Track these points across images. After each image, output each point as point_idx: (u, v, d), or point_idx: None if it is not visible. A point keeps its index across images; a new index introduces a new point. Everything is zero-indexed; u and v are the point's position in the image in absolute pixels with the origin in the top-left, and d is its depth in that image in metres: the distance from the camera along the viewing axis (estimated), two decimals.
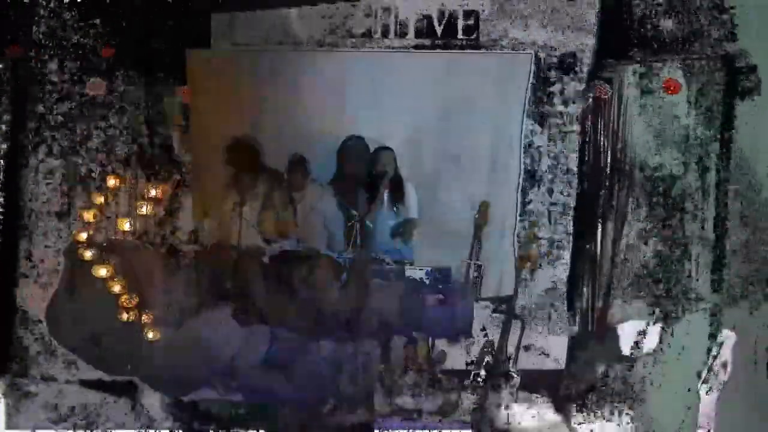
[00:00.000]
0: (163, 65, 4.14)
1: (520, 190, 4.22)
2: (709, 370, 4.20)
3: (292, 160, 4.25)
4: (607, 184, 4.19)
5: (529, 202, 4.22)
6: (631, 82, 4.15)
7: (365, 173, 4.31)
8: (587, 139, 4.19)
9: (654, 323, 4.20)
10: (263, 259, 4.17)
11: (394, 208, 4.31)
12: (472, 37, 4.15)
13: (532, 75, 4.15)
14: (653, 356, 4.20)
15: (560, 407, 4.19)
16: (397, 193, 4.31)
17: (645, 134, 4.16)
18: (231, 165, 4.24)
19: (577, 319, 4.23)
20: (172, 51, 4.12)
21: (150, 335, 4.11)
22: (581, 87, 4.16)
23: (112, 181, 4.15)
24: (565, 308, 4.23)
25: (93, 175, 4.19)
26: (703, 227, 4.18)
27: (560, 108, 4.19)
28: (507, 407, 4.19)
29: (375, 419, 4.18)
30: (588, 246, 4.21)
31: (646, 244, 4.19)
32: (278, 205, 4.29)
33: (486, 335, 4.23)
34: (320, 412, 4.16)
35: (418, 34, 4.16)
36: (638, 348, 4.19)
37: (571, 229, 4.22)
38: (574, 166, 4.20)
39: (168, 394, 4.18)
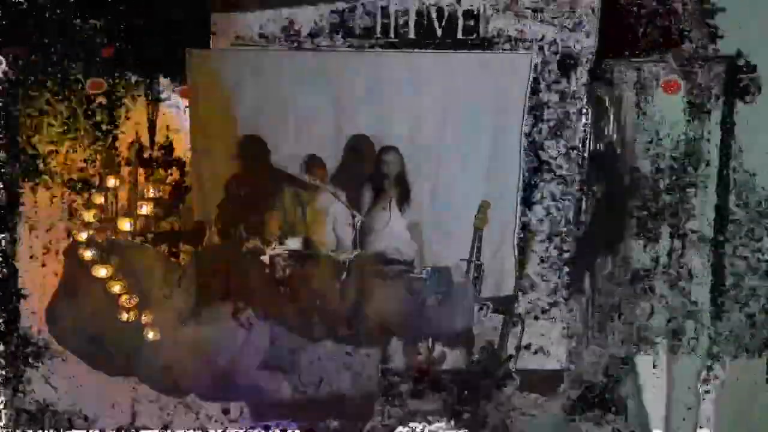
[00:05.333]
0: (163, 65, 4.14)
1: (520, 190, 4.22)
2: (709, 370, 4.20)
3: (309, 161, 4.24)
4: (606, 184, 4.20)
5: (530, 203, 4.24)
6: (630, 82, 4.16)
7: (370, 172, 4.30)
8: (587, 139, 4.20)
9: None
10: (263, 259, 4.17)
11: (401, 209, 4.30)
12: (472, 37, 4.16)
13: (531, 75, 4.16)
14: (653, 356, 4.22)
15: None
16: (404, 193, 4.30)
17: (644, 134, 4.17)
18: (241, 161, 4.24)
19: (578, 317, 4.24)
20: (172, 51, 4.12)
21: (150, 335, 4.11)
22: (581, 87, 4.17)
23: (112, 181, 4.15)
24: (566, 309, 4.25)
25: (93, 175, 4.19)
26: (703, 229, 4.18)
27: (560, 108, 4.20)
28: (507, 407, 4.20)
29: (375, 419, 4.18)
30: (588, 249, 4.23)
31: (645, 247, 4.20)
32: (287, 205, 4.28)
33: (486, 335, 4.24)
34: (320, 412, 4.16)
35: (418, 33, 4.16)
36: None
37: (571, 229, 4.24)
38: (574, 166, 4.21)
39: (168, 394, 4.17)
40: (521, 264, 4.23)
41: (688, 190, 4.17)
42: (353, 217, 4.22)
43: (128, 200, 4.18)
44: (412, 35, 4.17)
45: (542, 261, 4.23)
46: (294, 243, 4.21)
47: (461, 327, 4.22)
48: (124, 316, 4.09)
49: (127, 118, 4.19)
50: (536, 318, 4.24)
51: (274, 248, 4.16)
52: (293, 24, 4.15)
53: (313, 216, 4.28)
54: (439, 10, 4.15)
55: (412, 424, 4.20)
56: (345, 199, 4.26)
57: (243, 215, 4.22)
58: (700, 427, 4.17)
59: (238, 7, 4.14)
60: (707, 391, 4.19)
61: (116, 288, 4.08)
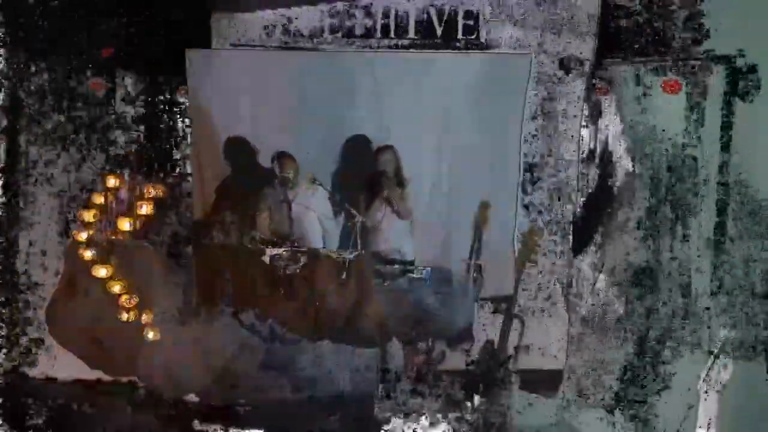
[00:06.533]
0: (163, 65, 4.14)
1: (520, 190, 4.22)
2: (709, 370, 4.20)
3: (278, 157, 4.24)
4: (605, 184, 4.21)
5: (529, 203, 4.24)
6: (630, 82, 4.15)
7: (367, 173, 4.30)
8: (586, 138, 4.20)
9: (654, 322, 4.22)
10: (263, 259, 4.18)
11: (397, 207, 4.29)
12: (472, 37, 4.16)
13: (531, 75, 4.15)
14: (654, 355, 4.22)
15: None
16: (399, 192, 4.29)
17: (644, 134, 4.17)
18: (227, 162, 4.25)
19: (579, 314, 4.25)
20: (172, 51, 4.12)
21: (150, 335, 4.11)
22: (581, 87, 4.17)
23: (112, 181, 4.15)
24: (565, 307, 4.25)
25: (93, 175, 4.19)
26: (703, 229, 4.18)
27: (559, 107, 4.20)
28: (506, 406, 4.20)
29: (375, 419, 4.18)
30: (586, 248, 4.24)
31: (645, 243, 4.20)
32: (272, 204, 4.29)
33: (486, 335, 4.24)
34: (320, 412, 4.16)
35: (418, 34, 4.16)
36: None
37: (570, 228, 4.24)
38: (573, 165, 4.21)
39: (168, 394, 4.18)
40: (521, 264, 4.23)
41: (688, 189, 4.17)
42: (352, 216, 4.22)
43: (128, 200, 4.18)
44: (412, 35, 4.17)
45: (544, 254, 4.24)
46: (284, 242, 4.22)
47: (461, 327, 4.22)
48: (124, 316, 4.09)
49: (127, 118, 4.18)
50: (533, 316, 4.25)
51: (269, 248, 4.17)
52: (293, 24, 4.15)
53: (298, 213, 4.28)
54: (440, 11, 4.15)
55: (411, 424, 4.20)
56: (336, 195, 4.27)
57: (234, 216, 4.23)
58: (700, 427, 4.17)
59: (238, 7, 4.14)
60: (707, 391, 4.18)
61: (116, 288, 4.08)
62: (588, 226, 4.23)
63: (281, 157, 4.22)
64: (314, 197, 4.28)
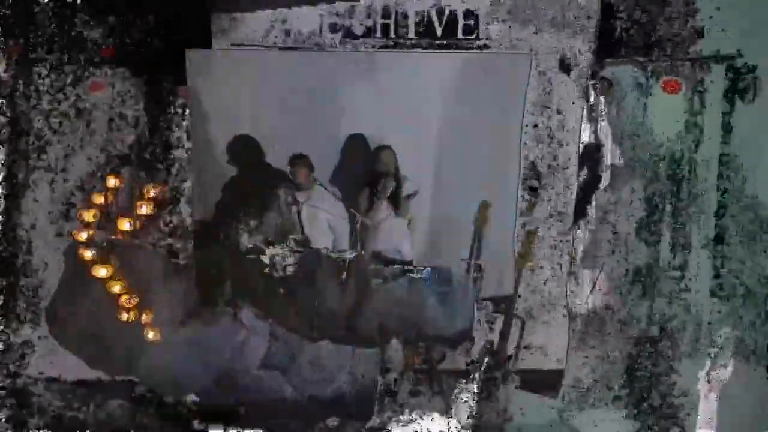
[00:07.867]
0: (163, 65, 4.14)
1: (519, 189, 4.22)
2: (709, 370, 4.20)
3: (294, 158, 4.25)
4: (605, 183, 4.21)
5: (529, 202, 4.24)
6: (630, 82, 4.16)
7: (366, 172, 4.31)
8: (586, 139, 4.20)
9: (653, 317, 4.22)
10: (263, 259, 4.18)
11: (394, 207, 4.30)
12: (472, 37, 4.16)
13: (531, 75, 4.16)
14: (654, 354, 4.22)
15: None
16: (398, 192, 4.30)
17: (643, 134, 4.17)
18: (234, 163, 4.25)
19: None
20: (172, 51, 4.12)
21: (150, 335, 4.11)
22: (580, 87, 4.17)
23: (112, 181, 4.15)
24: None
25: (93, 175, 4.19)
26: (703, 230, 4.18)
27: (559, 108, 4.20)
28: (506, 406, 4.20)
29: (375, 419, 4.18)
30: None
31: (645, 243, 4.20)
32: (282, 205, 4.29)
33: (486, 335, 4.24)
34: (320, 412, 4.16)
35: (418, 33, 4.16)
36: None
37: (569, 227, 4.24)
38: (573, 166, 4.21)
39: (167, 394, 4.18)
40: (521, 263, 4.23)
41: (688, 189, 4.17)
42: (350, 214, 4.23)
43: (128, 200, 4.18)
44: (412, 35, 4.17)
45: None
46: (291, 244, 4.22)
47: (461, 327, 4.22)
48: (124, 316, 4.09)
49: (126, 118, 4.19)
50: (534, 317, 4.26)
51: (274, 248, 4.17)
52: (293, 24, 4.15)
53: (308, 215, 4.28)
54: (440, 11, 4.15)
55: (411, 424, 4.20)
56: (339, 195, 4.27)
57: (240, 215, 4.23)
58: (700, 428, 4.17)
59: (239, 6, 4.14)
60: (707, 392, 4.19)
61: (116, 288, 4.08)
62: (587, 226, 4.24)
63: (295, 160, 4.22)
64: (323, 198, 4.28)
